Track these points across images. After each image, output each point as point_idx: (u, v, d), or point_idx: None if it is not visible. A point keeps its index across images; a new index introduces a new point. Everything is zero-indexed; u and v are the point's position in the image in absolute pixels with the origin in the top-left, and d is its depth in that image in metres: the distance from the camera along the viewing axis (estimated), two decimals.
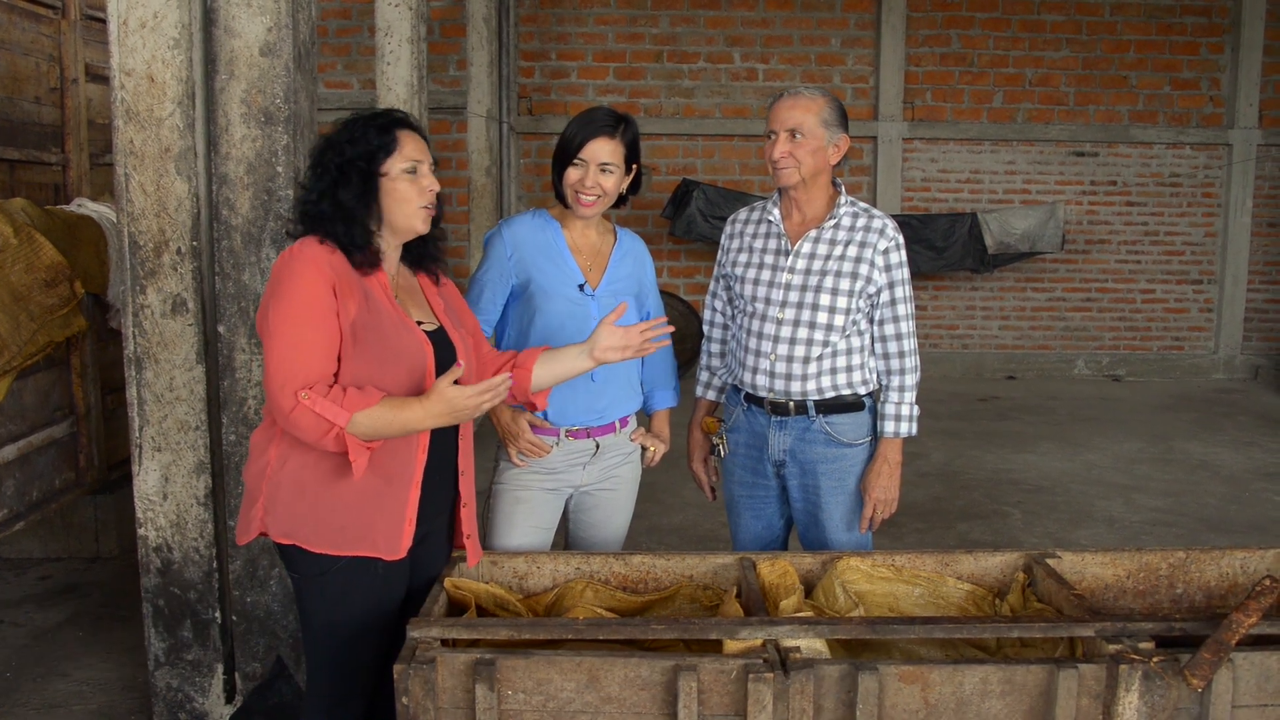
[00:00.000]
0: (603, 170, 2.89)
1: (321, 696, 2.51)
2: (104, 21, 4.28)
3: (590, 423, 3.01)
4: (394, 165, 2.42)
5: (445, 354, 2.52)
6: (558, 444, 2.99)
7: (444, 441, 2.54)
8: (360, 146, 2.40)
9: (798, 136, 2.99)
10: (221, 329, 3.19)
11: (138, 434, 3.27)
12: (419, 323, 2.51)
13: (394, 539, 2.42)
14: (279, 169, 3.12)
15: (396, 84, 6.12)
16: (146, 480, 3.29)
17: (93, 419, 4.46)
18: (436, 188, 2.48)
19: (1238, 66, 10.24)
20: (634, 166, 2.99)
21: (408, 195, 2.43)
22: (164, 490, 3.29)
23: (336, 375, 2.35)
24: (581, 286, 2.97)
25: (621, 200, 3.03)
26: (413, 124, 2.50)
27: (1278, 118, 10.38)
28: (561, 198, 2.97)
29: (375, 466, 2.40)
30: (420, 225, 2.48)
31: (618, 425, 3.07)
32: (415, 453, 2.45)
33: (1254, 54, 10.20)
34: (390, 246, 2.50)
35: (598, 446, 3.04)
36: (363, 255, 2.40)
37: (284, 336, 2.29)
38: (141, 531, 3.32)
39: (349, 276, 2.37)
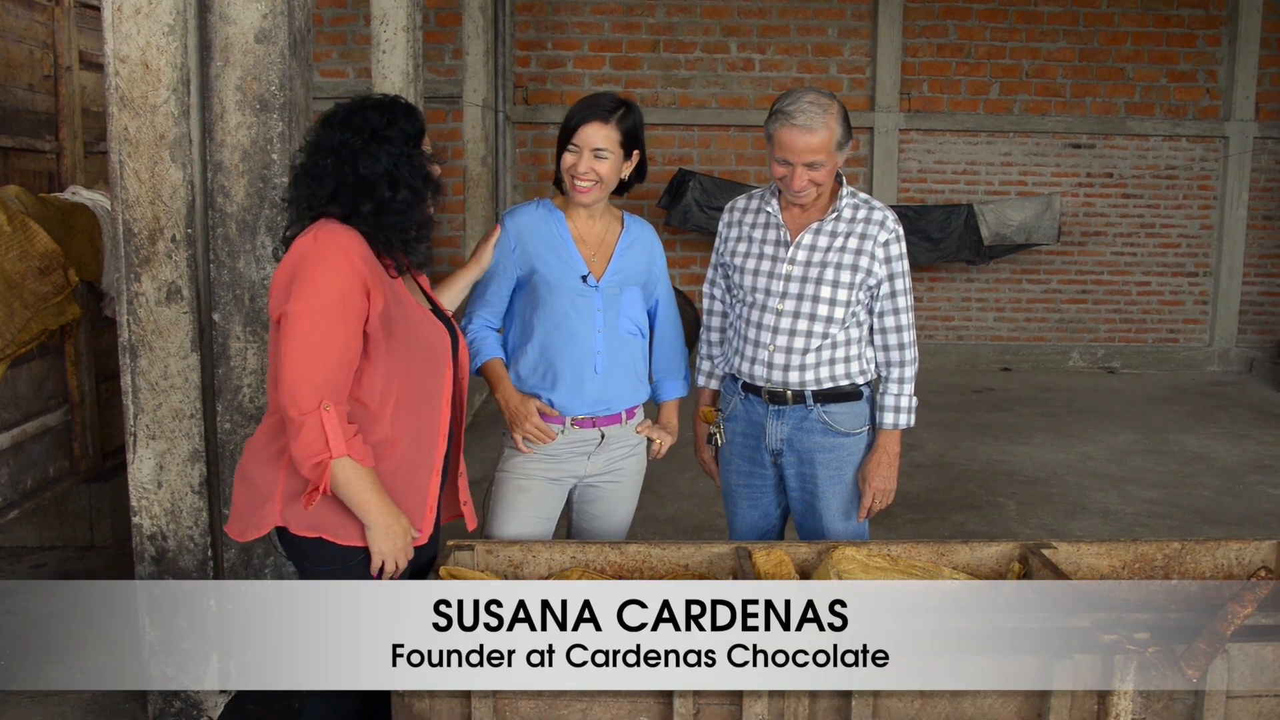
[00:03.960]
0: (597, 156, 2.87)
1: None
2: (98, 8, 4.25)
3: (596, 412, 3.00)
4: (427, 151, 2.44)
5: (451, 336, 2.55)
6: (563, 432, 2.98)
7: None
8: (409, 133, 2.39)
9: (816, 167, 2.96)
10: (216, 317, 3.18)
11: (132, 422, 3.26)
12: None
13: (418, 525, 2.44)
14: (274, 156, 3.11)
15: (392, 73, 6.10)
16: (141, 469, 3.28)
17: (87, 407, 4.44)
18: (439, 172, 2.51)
19: (1234, 59, 10.24)
20: (635, 153, 2.97)
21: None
22: (158, 478, 3.29)
23: (361, 373, 2.34)
24: (585, 277, 2.96)
25: (624, 187, 3.01)
26: None
27: (1274, 110, 10.38)
28: (558, 184, 2.96)
29: (402, 456, 2.41)
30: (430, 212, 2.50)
31: (624, 416, 3.05)
32: (437, 442, 2.47)
33: (1251, 46, 10.20)
34: None
35: (603, 436, 3.03)
36: (424, 250, 2.43)
37: (309, 328, 2.24)
38: (136, 520, 3.31)
39: (376, 266, 2.35)
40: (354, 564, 2.40)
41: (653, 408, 3.21)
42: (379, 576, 2.40)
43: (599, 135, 2.86)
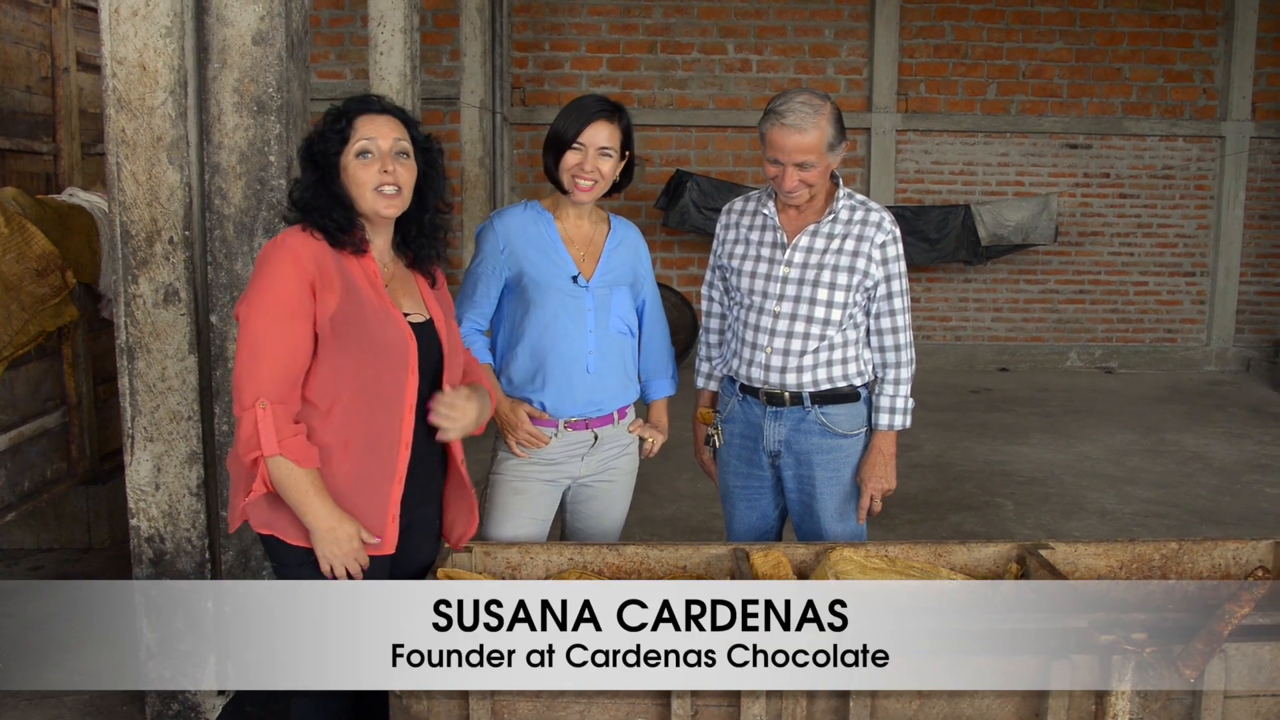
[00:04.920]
0: (601, 154, 2.88)
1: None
2: (95, 10, 4.25)
3: (588, 414, 3.01)
4: (348, 151, 2.41)
5: (430, 347, 2.51)
6: (556, 435, 2.99)
7: (429, 434, 2.53)
8: (317, 136, 2.43)
9: (807, 167, 2.96)
10: (214, 319, 3.18)
11: (130, 424, 3.26)
12: (407, 314, 2.49)
13: (377, 532, 2.42)
14: (271, 158, 3.11)
15: (389, 74, 6.10)
16: (139, 470, 3.28)
17: (84, 409, 4.44)
18: (390, 167, 2.41)
19: (1231, 58, 10.25)
20: (627, 154, 2.98)
21: (359, 179, 2.40)
22: (156, 480, 3.28)
23: (311, 373, 2.35)
24: (575, 278, 2.96)
25: (615, 188, 3.02)
26: (380, 108, 2.46)
27: (1270, 110, 10.38)
28: (558, 184, 2.96)
29: (357, 460, 2.39)
30: (382, 209, 2.42)
31: (615, 416, 3.06)
32: (397, 449, 2.44)
33: (1247, 46, 10.20)
34: (375, 234, 2.49)
35: (596, 438, 3.03)
36: (347, 237, 2.40)
37: (255, 329, 2.30)
38: (134, 522, 3.31)
39: (330, 267, 2.35)
40: (305, 565, 2.40)
41: (642, 407, 3.22)
42: (332, 577, 2.40)
43: (603, 135, 2.88)
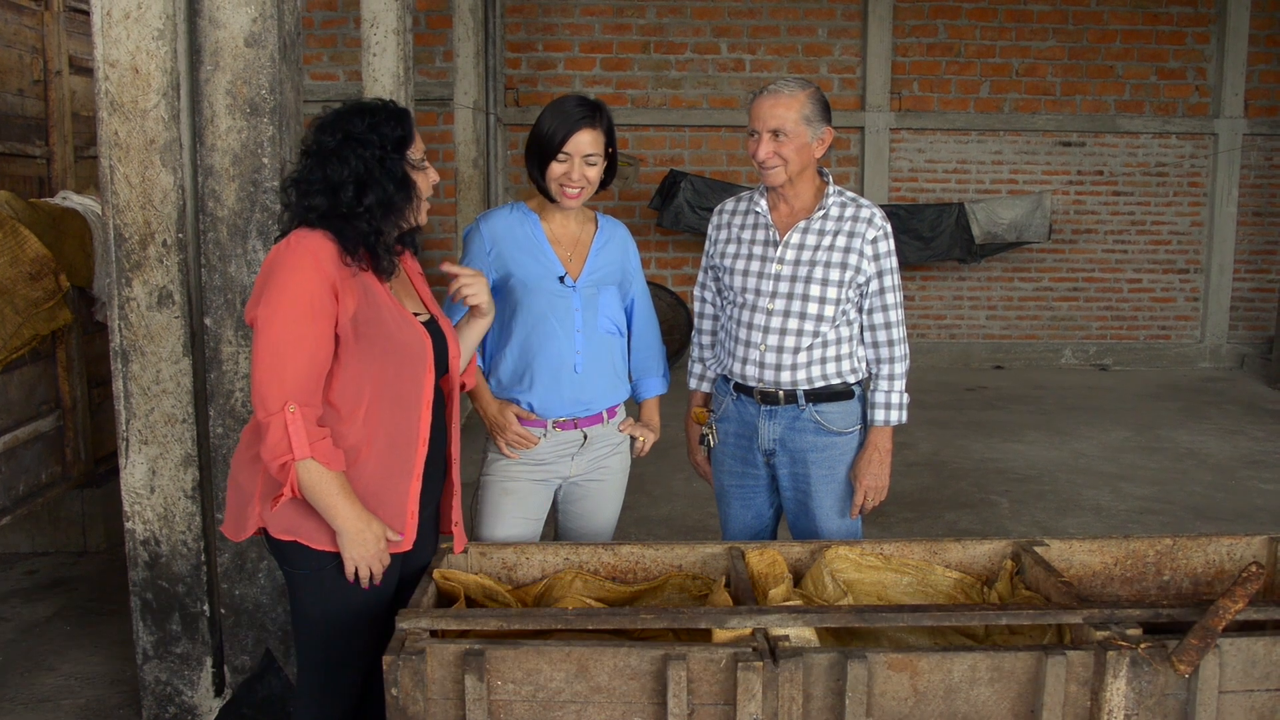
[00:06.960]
0: (587, 162, 2.87)
1: (313, 690, 2.51)
2: (87, 13, 4.25)
3: (577, 414, 3.01)
4: (412, 157, 2.42)
5: (439, 345, 2.53)
6: (545, 435, 2.99)
7: (437, 433, 2.54)
8: (389, 137, 2.38)
9: (781, 136, 2.97)
10: (208, 321, 3.18)
11: (124, 427, 3.26)
12: (415, 314, 2.50)
13: (399, 530, 2.43)
14: (265, 160, 3.11)
15: (382, 75, 6.10)
16: (133, 473, 3.28)
17: (79, 412, 4.44)
18: (437, 179, 2.50)
19: (1223, 56, 10.27)
20: (610, 152, 2.97)
21: (420, 188, 2.45)
22: (151, 483, 3.28)
23: (333, 376, 2.34)
24: (562, 278, 2.96)
25: (600, 186, 3.01)
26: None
27: (1263, 107, 10.41)
28: (544, 191, 2.95)
29: (379, 460, 2.40)
30: (424, 218, 2.50)
31: (605, 416, 3.06)
32: (416, 446, 2.45)
33: (1239, 43, 10.23)
34: None
35: (585, 437, 3.03)
36: (389, 261, 2.40)
37: (278, 332, 2.26)
38: (129, 525, 3.31)
39: (348, 270, 2.35)
40: (328, 569, 2.40)
41: (633, 406, 3.22)
42: (355, 582, 2.40)
43: (588, 141, 2.86)
